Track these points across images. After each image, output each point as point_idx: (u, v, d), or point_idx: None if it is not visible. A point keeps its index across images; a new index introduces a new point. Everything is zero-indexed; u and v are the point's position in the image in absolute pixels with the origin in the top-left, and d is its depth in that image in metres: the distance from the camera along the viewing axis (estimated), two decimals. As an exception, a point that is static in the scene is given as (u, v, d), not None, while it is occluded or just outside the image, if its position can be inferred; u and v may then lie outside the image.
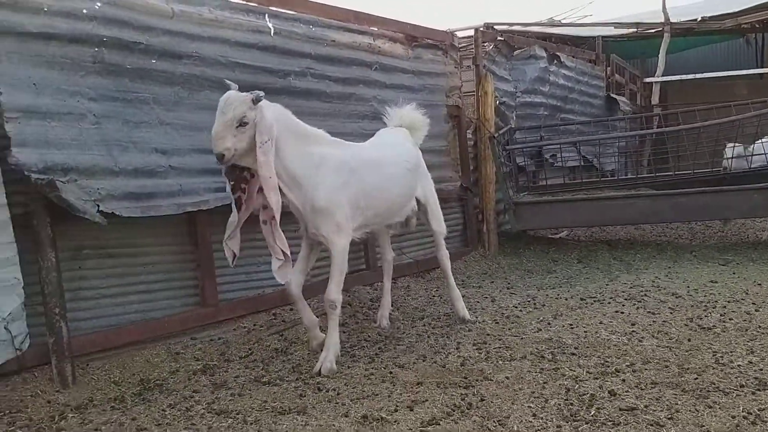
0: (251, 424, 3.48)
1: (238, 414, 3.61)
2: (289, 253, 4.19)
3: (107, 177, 4.37)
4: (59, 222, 4.19)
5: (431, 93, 7.45)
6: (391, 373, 4.16)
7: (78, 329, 4.42)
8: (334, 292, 4.35)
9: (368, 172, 4.57)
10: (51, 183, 3.96)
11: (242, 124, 3.92)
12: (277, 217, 4.10)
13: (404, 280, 6.93)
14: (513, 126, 8.77)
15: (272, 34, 5.60)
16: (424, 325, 5.27)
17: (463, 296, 5.69)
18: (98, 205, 4.24)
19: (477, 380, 3.94)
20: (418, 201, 5.23)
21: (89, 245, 4.58)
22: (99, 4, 4.40)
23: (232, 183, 4.18)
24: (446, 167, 7.71)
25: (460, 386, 3.86)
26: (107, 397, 3.96)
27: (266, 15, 5.59)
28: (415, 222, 5.53)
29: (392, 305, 5.73)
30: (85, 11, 4.33)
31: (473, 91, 8.32)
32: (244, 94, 3.99)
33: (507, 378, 3.95)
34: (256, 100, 3.97)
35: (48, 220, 4.08)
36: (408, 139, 5.22)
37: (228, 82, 4.17)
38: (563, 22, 14.41)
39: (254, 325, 5.41)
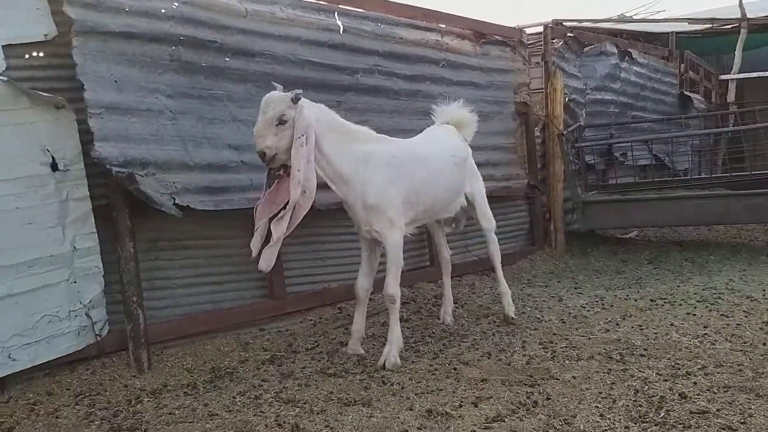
0: (317, 413, 3.55)
1: (305, 403, 3.69)
2: (278, 240, 4.07)
3: (182, 171, 4.53)
4: (137, 214, 4.36)
5: (499, 90, 7.40)
6: (455, 369, 4.18)
7: (153, 317, 4.60)
8: (392, 286, 4.39)
9: (417, 167, 4.57)
10: (131, 176, 4.13)
11: (282, 122, 4.01)
12: (287, 212, 4.06)
13: (469, 277, 6.91)
14: (582, 123, 8.60)
15: (341, 32, 5.68)
16: (489, 323, 5.26)
17: (528, 295, 5.65)
18: (174, 198, 4.40)
19: (543, 379, 3.92)
20: (466, 197, 5.21)
21: (164, 237, 4.75)
22: (177, 4, 4.57)
23: (268, 179, 4.28)
24: (513, 165, 7.64)
25: (525, 384, 3.85)
26: (180, 384, 4.11)
27: (336, 13, 5.67)
28: (464, 222, 5.51)
29: (456, 303, 5.74)
30: (163, 11, 4.49)
31: (542, 88, 8.21)
32: (285, 93, 4.09)
33: (574, 377, 3.91)
34: (295, 99, 4.05)
35: (127, 212, 4.27)
36: (455, 136, 5.20)
37: (274, 83, 4.27)
38: (635, 18, 14.04)
39: (320, 318, 5.50)
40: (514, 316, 5.21)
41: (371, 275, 4.70)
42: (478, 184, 5.36)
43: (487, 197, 7.10)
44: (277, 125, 4.00)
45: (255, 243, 4.22)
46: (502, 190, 7.39)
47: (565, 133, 7.78)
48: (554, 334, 4.85)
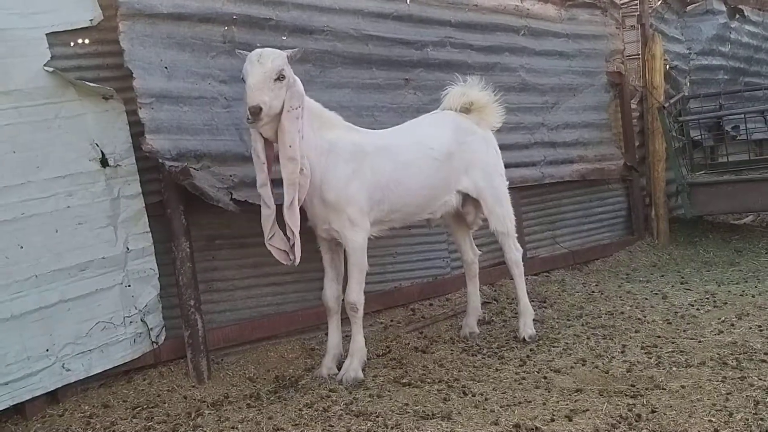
0: (392, 428, 3.58)
1: (377, 417, 3.73)
2: (297, 234, 4.11)
3: (239, 163, 4.62)
4: (192, 211, 4.48)
5: (588, 58, 7.28)
6: (545, 378, 4.15)
7: (211, 322, 4.73)
8: (355, 292, 4.36)
9: (383, 159, 4.44)
10: (185, 170, 4.22)
11: (280, 77, 3.93)
12: (289, 192, 4.04)
13: (558, 272, 6.85)
14: (686, 93, 8.38)
15: (408, 1, 5.67)
16: (583, 325, 5.20)
17: (627, 292, 5.54)
18: (231, 193, 4.50)
19: (646, 389, 3.85)
20: (466, 196, 4.97)
21: (221, 234, 4.87)
22: (228, -20, 4.65)
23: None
24: (607, 144, 7.51)
25: (626, 395, 3.78)
26: (242, 394, 4.21)
27: (402, -20, 5.67)
28: (473, 219, 5.17)
29: (545, 302, 5.70)
30: (214, -12, 4.59)
31: (638, 55, 8.02)
32: (278, 50, 4.05)
33: (682, 387, 3.83)
34: (292, 58, 4.04)
35: (181, 209, 4.38)
36: (446, 125, 4.87)
37: (239, 51, 4.20)
38: (747, -33, 13.52)
39: (391, 320, 5.55)
40: (528, 339, 4.91)
41: (339, 280, 4.60)
42: (491, 179, 4.99)
43: (579, 181, 7.08)
44: (275, 80, 3.93)
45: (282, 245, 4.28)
46: (596, 173, 7.29)
47: (666, 105, 7.59)
48: (658, 336, 4.76)
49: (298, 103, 4.06)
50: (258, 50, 4.00)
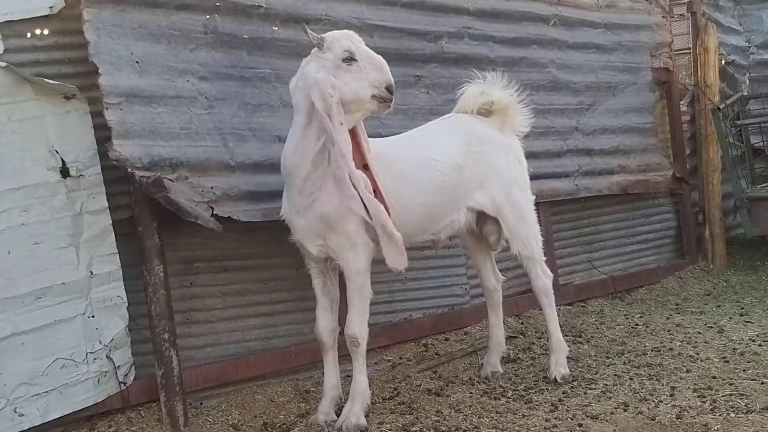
0: (401, 484, 3.58)
1: (383, 471, 3.73)
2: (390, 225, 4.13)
3: (222, 173, 4.64)
4: (167, 229, 4.49)
5: (630, 52, 7.32)
6: (580, 425, 4.13)
7: (190, 359, 4.73)
8: (357, 324, 4.32)
9: (380, 169, 4.40)
10: (158, 181, 4.21)
11: None
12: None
13: (596, 302, 6.84)
14: (745, 93, 8.38)
15: (419, -15, 5.73)
16: (625, 363, 5.19)
17: (677, 325, 5.52)
18: (212, 208, 4.50)
19: (700, 438, 3.84)
20: (482, 213, 4.98)
21: (201, 257, 4.88)
22: (210, -40, 4.70)
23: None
24: (652, 151, 7.53)
25: (676, 445, 3.78)
26: (225, 444, 4.22)
27: (412, -38, 5.72)
28: (496, 240, 5.12)
29: (580, 336, 5.69)
30: (194, -30, 4.63)
31: (689, 48, 8.06)
32: None
33: (742, 437, 3.81)
34: None
35: (155, 227, 4.38)
36: (459, 131, 4.91)
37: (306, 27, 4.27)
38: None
39: (400, 358, 5.55)
40: (560, 380, 4.92)
41: (333, 310, 4.58)
42: (511, 193, 4.98)
43: (620, 195, 7.10)
44: None
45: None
46: (639, 186, 7.31)
47: (722, 107, 7.61)
48: (714, 377, 4.75)
49: None
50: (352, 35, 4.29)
